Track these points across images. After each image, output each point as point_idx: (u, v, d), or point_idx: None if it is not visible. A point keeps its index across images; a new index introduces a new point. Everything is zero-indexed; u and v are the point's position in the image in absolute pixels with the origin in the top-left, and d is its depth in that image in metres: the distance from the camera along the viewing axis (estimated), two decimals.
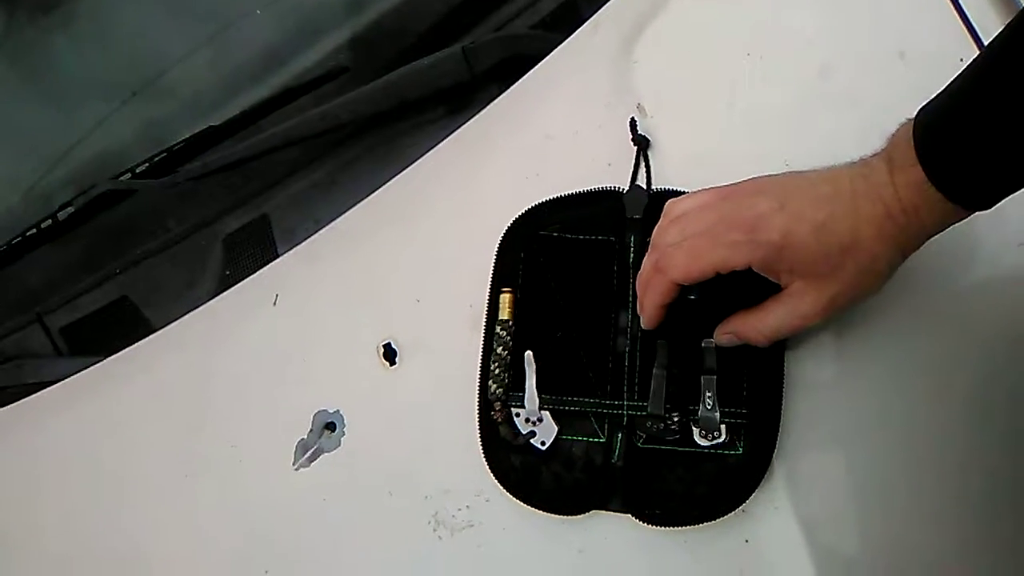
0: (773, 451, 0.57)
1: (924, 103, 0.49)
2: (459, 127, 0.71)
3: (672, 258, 0.54)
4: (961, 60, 0.61)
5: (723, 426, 0.57)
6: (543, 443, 0.60)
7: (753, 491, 0.57)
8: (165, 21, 0.83)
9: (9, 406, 0.78)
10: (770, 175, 0.54)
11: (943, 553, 0.56)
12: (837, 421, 0.59)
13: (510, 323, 0.62)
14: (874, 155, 0.51)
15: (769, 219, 0.51)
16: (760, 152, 0.63)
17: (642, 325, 0.59)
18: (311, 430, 0.66)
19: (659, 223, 0.57)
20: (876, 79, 0.63)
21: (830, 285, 0.51)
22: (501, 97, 0.71)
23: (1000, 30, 0.47)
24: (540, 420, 0.61)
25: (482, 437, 0.61)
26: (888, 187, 0.49)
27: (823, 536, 0.57)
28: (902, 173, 0.48)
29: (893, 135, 0.50)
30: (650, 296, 0.56)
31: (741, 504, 0.57)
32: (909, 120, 0.50)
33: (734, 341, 0.57)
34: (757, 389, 0.58)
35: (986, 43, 0.62)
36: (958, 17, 0.63)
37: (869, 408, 0.59)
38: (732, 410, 0.58)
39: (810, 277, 0.51)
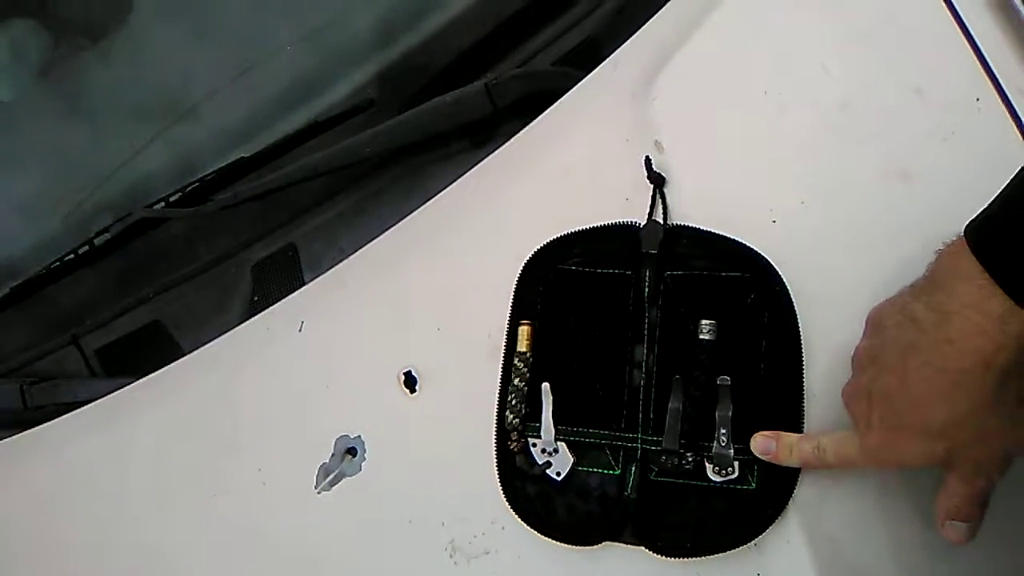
0: (793, 487, 0.57)
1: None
2: (481, 160, 0.72)
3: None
4: (977, 99, 0.62)
5: (736, 462, 0.58)
6: (559, 473, 0.61)
7: (768, 526, 0.57)
8: (201, 55, 0.86)
9: (45, 424, 0.81)
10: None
11: None
12: None
13: (528, 355, 0.63)
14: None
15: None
16: (777, 189, 0.64)
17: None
18: (333, 455, 0.68)
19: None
20: (893, 116, 0.64)
21: None
22: (523, 132, 0.72)
23: None
24: (556, 451, 0.62)
25: (499, 466, 0.62)
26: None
27: (834, 573, 0.57)
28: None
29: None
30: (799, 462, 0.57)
31: (753, 538, 0.58)
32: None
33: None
34: (773, 427, 0.58)
35: (1002, 81, 0.62)
36: (974, 54, 0.63)
37: None
38: (746, 447, 0.58)
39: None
